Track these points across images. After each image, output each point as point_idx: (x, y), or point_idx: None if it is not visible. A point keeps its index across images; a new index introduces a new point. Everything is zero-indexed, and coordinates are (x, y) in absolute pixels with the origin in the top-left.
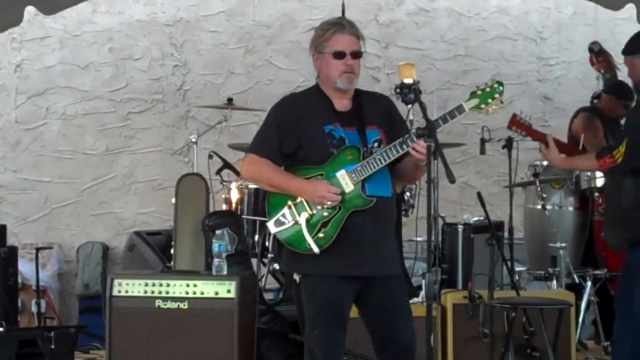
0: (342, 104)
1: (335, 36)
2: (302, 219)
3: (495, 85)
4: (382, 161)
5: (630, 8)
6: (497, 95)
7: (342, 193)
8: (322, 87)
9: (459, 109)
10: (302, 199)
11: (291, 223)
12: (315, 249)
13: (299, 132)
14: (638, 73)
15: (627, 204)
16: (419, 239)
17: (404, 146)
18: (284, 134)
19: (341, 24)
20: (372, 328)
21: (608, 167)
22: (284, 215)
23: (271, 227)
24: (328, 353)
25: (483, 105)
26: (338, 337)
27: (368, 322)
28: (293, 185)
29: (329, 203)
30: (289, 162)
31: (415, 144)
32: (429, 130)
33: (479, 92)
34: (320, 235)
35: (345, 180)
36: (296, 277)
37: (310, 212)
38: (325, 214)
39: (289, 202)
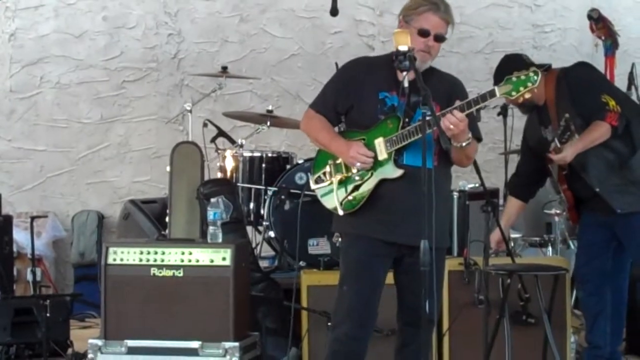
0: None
1: (427, 14)
2: (335, 179)
3: (531, 74)
4: (416, 134)
5: None
6: (529, 84)
7: (375, 159)
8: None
9: (491, 94)
10: (341, 160)
11: (327, 182)
12: (340, 211)
13: (354, 93)
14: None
15: (624, 161)
16: None
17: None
18: (341, 93)
19: (437, 5)
20: (399, 293)
21: (618, 120)
22: (324, 174)
23: (312, 183)
24: (353, 312)
25: (514, 93)
26: (367, 298)
27: (397, 288)
28: (334, 144)
29: (358, 165)
30: (344, 123)
31: (444, 118)
32: (423, 98)
33: (514, 79)
34: (350, 198)
35: (381, 147)
36: (336, 237)
37: (344, 174)
38: (357, 178)
39: (330, 162)
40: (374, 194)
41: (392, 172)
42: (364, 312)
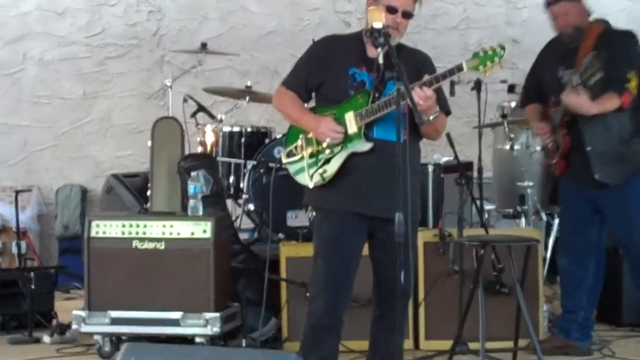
0: (375, 52)
1: None
2: (306, 153)
3: (498, 50)
4: (385, 108)
5: None
6: (496, 59)
7: (345, 133)
8: (364, 34)
9: (459, 68)
10: (312, 135)
11: (299, 156)
12: (310, 184)
13: (324, 69)
14: (571, 19)
15: (624, 137)
16: None
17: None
18: (312, 69)
19: None
20: (375, 266)
21: (630, 102)
22: (296, 148)
23: (283, 157)
24: (327, 287)
25: (481, 67)
26: (340, 272)
27: (373, 260)
28: (304, 119)
29: (329, 139)
30: (316, 99)
31: (413, 92)
32: (397, 74)
33: (481, 54)
34: (321, 171)
35: (351, 121)
36: (310, 210)
37: (315, 148)
38: (328, 151)
39: (301, 136)
40: (345, 168)
41: (362, 145)
42: (339, 287)
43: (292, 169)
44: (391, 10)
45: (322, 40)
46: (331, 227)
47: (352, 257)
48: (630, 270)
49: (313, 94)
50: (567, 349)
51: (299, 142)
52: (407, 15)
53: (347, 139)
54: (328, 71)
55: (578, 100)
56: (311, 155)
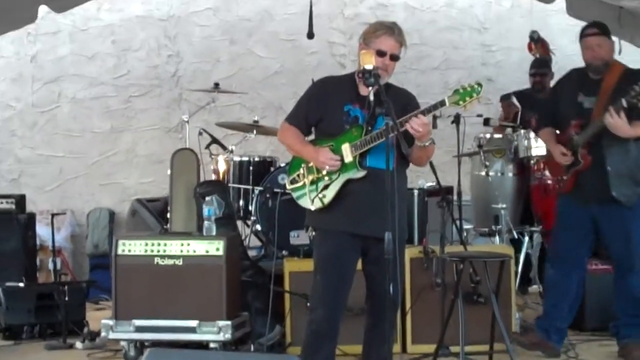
0: (367, 90)
1: (384, 37)
2: (308, 180)
3: (476, 86)
4: (376, 139)
5: (560, 1)
6: (475, 95)
7: (342, 162)
8: (356, 75)
9: (441, 103)
10: (313, 164)
11: (301, 183)
12: (312, 207)
13: (323, 107)
14: (602, 53)
15: (639, 163)
16: None
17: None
18: (312, 107)
19: (392, 29)
20: (367, 280)
21: None
22: (298, 176)
23: (287, 183)
24: (325, 298)
25: (462, 102)
26: (336, 286)
27: (366, 275)
28: (305, 151)
29: (327, 168)
30: (315, 133)
31: (410, 121)
32: (386, 110)
33: (461, 91)
34: (321, 195)
35: (347, 151)
36: (310, 230)
37: (316, 175)
38: (327, 178)
39: (303, 165)
40: (342, 192)
41: (356, 173)
42: (335, 299)
43: (295, 194)
44: (381, 53)
45: (319, 81)
46: (329, 245)
47: (347, 273)
48: (617, 279)
49: (313, 128)
50: (543, 347)
51: (301, 171)
52: (395, 58)
53: (343, 167)
54: (326, 108)
55: (620, 122)
56: (312, 182)
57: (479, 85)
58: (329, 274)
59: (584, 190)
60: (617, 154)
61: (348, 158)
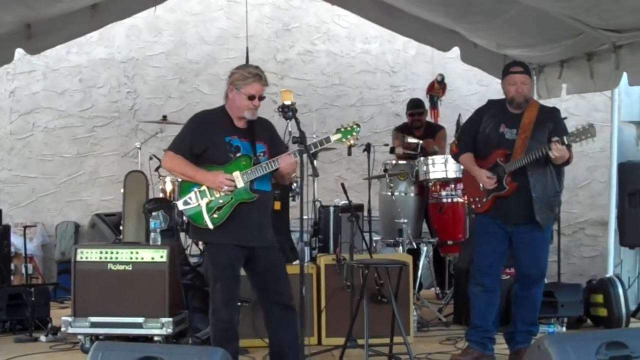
0: (240, 123)
1: (254, 84)
2: (203, 202)
3: (354, 126)
4: (266, 169)
5: (456, 50)
6: (354, 133)
7: (235, 187)
8: (227, 109)
9: (327, 139)
10: (205, 187)
11: (195, 204)
12: (210, 225)
13: (206, 138)
14: (525, 90)
15: (553, 191)
16: (305, 217)
17: (278, 161)
18: (195, 138)
19: (260, 76)
20: (257, 286)
21: None
22: (190, 198)
23: (180, 205)
24: (226, 301)
25: (344, 139)
26: (234, 290)
27: (254, 281)
28: (199, 175)
29: (225, 188)
30: (198, 161)
31: (281, 159)
32: (301, 139)
33: (342, 129)
34: (215, 215)
35: (239, 178)
36: (201, 245)
37: (209, 198)
38: (221, 200)
39: (195, 189)
40: (233, 212)
41: (247, 196)
42: (232, 301)
43: (189, 214)
44: (251, 97)
45: (199, 115)
46: (224, 257)
47: (238, 278)
48: (521, 290)
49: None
50: (484, 359)
51: (192, 194)
52: (262, 98)
53: (236, 191)
54: (210, 140)
55: (564, 152)
56: (207, 204)
57: (357, 125)
58: (228, 281)
59: (504, 212)
60: (539, 182)
61: (240, 184)
